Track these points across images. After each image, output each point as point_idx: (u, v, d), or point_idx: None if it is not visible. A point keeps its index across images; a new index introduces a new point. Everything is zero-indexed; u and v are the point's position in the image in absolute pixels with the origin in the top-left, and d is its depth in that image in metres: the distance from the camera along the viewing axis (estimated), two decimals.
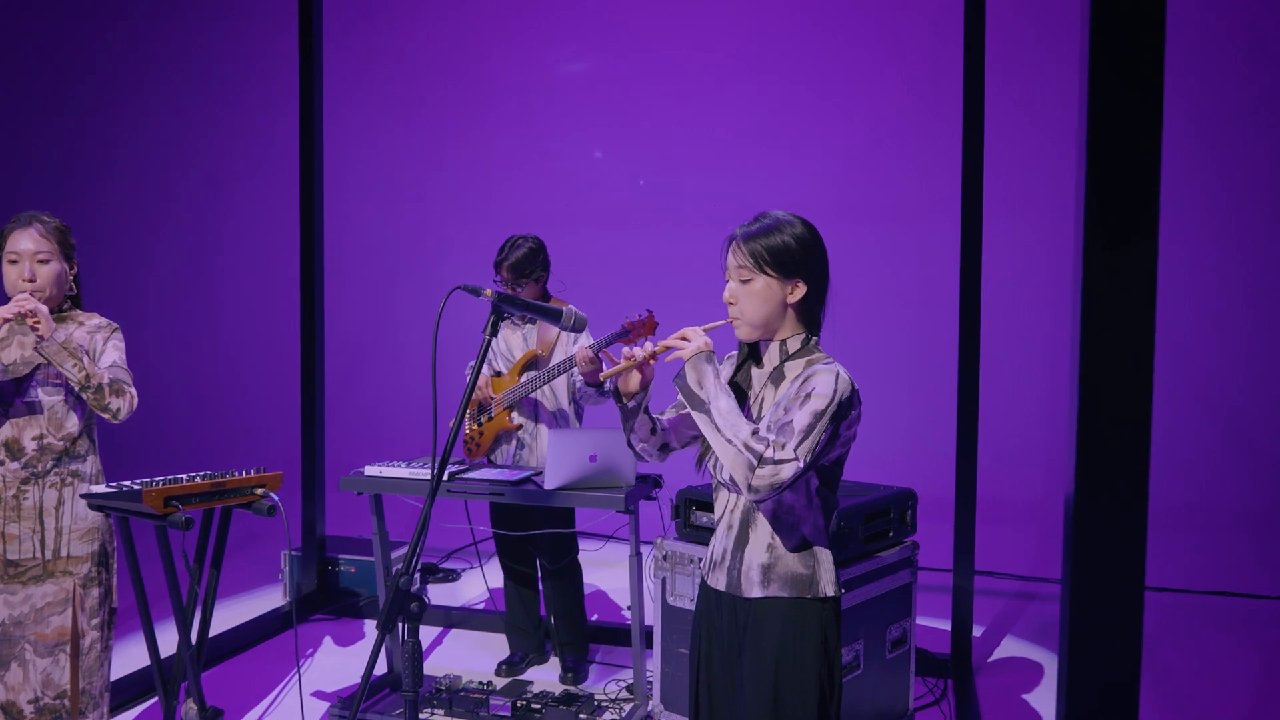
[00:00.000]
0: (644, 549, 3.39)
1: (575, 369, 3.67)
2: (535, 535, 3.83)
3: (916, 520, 3.47)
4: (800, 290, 1.97)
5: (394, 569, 4.66)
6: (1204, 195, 5.49)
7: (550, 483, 3.35)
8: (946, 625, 4.08)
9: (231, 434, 7.30)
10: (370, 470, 3.58)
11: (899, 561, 3.29)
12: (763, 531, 1.98)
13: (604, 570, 4.94)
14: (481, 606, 4.80)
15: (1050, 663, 4.12)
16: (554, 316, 2.07)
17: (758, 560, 1.98)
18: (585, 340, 3.88)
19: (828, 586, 1.98)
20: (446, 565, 5.42)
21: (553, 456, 3.32)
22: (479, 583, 5.16)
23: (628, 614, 4.35)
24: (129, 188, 7.70)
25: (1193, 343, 5.53)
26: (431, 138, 6.89)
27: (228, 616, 4.43)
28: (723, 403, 1.87)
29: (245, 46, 7.28)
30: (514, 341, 3.93)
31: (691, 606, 3.24)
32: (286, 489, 5.15)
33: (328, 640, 4.37)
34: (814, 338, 2.01)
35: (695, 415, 1.90)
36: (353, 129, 6.75)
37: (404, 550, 4.90)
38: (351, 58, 6.69)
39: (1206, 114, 5.49)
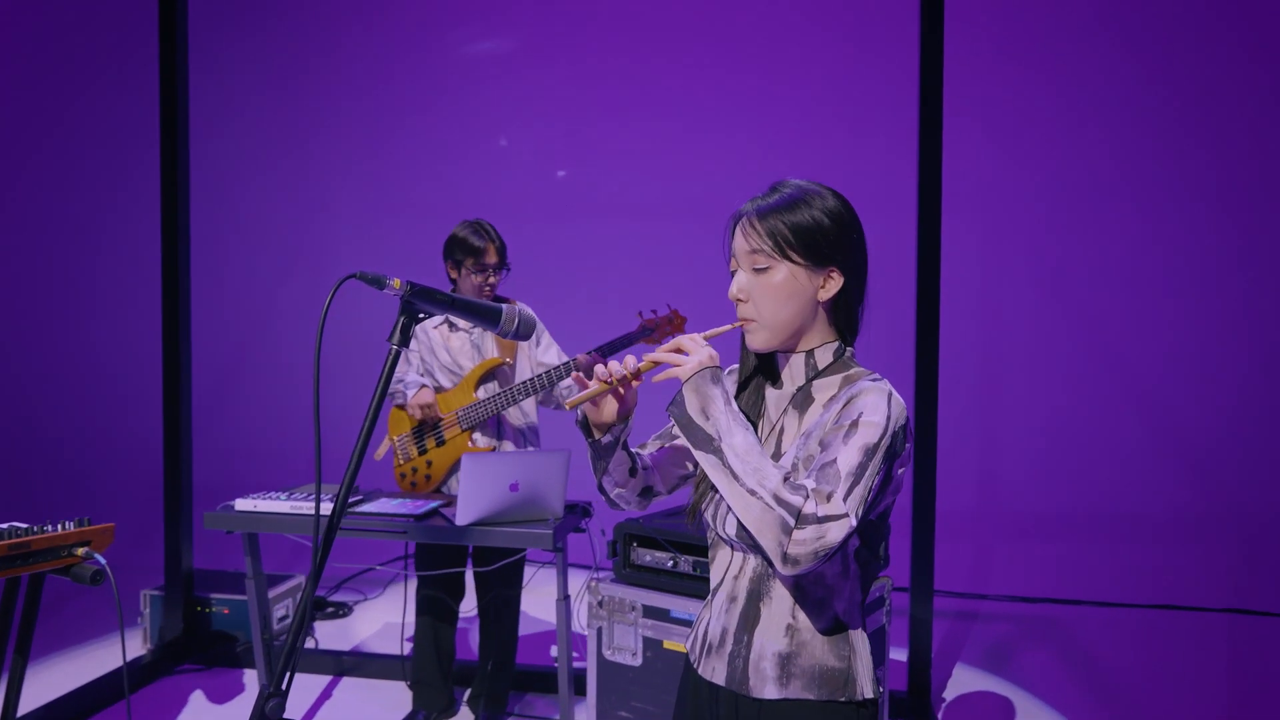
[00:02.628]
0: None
1: (563, 379, 3.16)
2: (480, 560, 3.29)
3: (889, 553, 3.05)
4: (835, 284, 1.46)
5: (275, 636, 4.03)
6: (1147, 202, 5.25)
7: (463, 517, 2.81)
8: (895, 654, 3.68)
9: (90, 455, 6.46)
10: (242, 504, 2.97)
11: (873, 602, 2.86)
12: (780, 608, 1.47)
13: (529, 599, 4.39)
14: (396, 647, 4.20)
15: (1017, 697, 3.77)
16: (490, 317, 1.51)
17: (773, 648, 1.46)
18: (550, 341, 3.37)
19: (865, 685, 1.47)
20: (336, 598, 4.80)
21: (466, 486, 2.78)
22: (376, 615, 4.56)
23: (553, 654, 3.83)
24: None
25: (1133, 352, 5.30)
26: (320, 124, 6.18)
27: (72, 670, 3.75)
28: (739, 439, 1.36)
29: (96, 13, 6.45)
30: (457, 348, 3.36)
31: (633, 662, 2.74)
32: (148, 518, 4.45)
33: (198, 696, 3.73)
34: (849, 348, 1.52)
35: (700, 457, 1.38)
36: (224, 111, 6.00)
37: (292, 585, 4.27)
38: (224, 28, 5.96)
39: (1147, 112, 5.26)
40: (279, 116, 6.17)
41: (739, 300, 1.48)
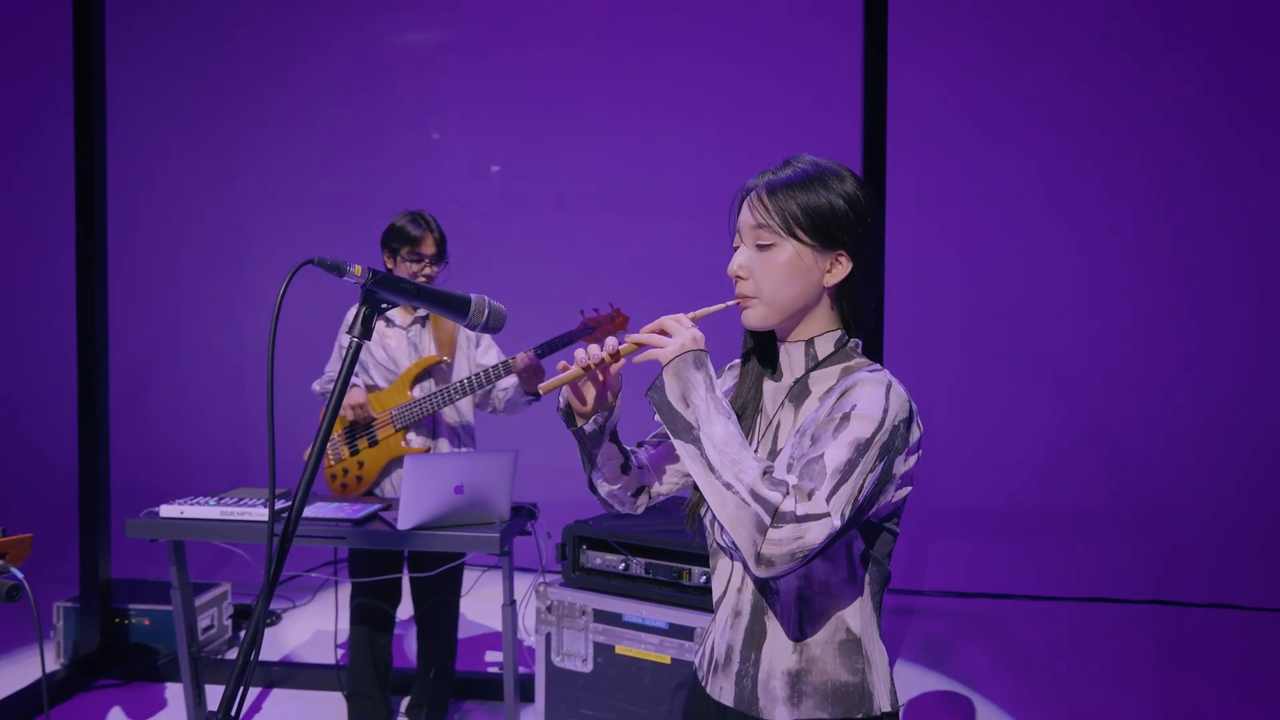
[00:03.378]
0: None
1: (501, 379, 3.06)
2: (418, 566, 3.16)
3: None
4: (843, 268, 1.37)
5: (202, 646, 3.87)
6: (1072, 204, 5.36)
7: (405, 521, 2.70)
8: None
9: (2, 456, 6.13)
10: (168, 511, 2.81)
11: None
12: (787, 622, 1.36)
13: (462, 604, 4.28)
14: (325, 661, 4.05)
15: (958, 690, 3.79)
16: (457, 308, 1.39)
17: (782, 665, 1.36)
18: (491, 342, 3.25)
19: (883, 699, 1.36)
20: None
21: (409, 489, 2.67)
22: (306, 623, 4.40)
23: (497, 668, 3.73)
24: None
25: (1058, 352, 5.40)
26: (242, 115, 5.93)
27: None
28: (718, 428, 1.27)
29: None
30: (395, 345, 3.23)
31: (584, 669, 2.67)
32: (57, 526, 4.22)
33: (117, 713, 3.54)
34: (852, 339, 1.43)
35: (679, 447, 1.29)
36: (140, 106, 5.73)
37: (216, 594, 4.08)
38: (141, 14, 5.69)
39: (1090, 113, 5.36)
40: (199, 109, 5.92)
41: (739, 277, 1.39)
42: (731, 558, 1.43)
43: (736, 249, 1.41)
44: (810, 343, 1.40)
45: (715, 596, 1.48)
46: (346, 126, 5.74)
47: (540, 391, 1.40)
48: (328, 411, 1.31)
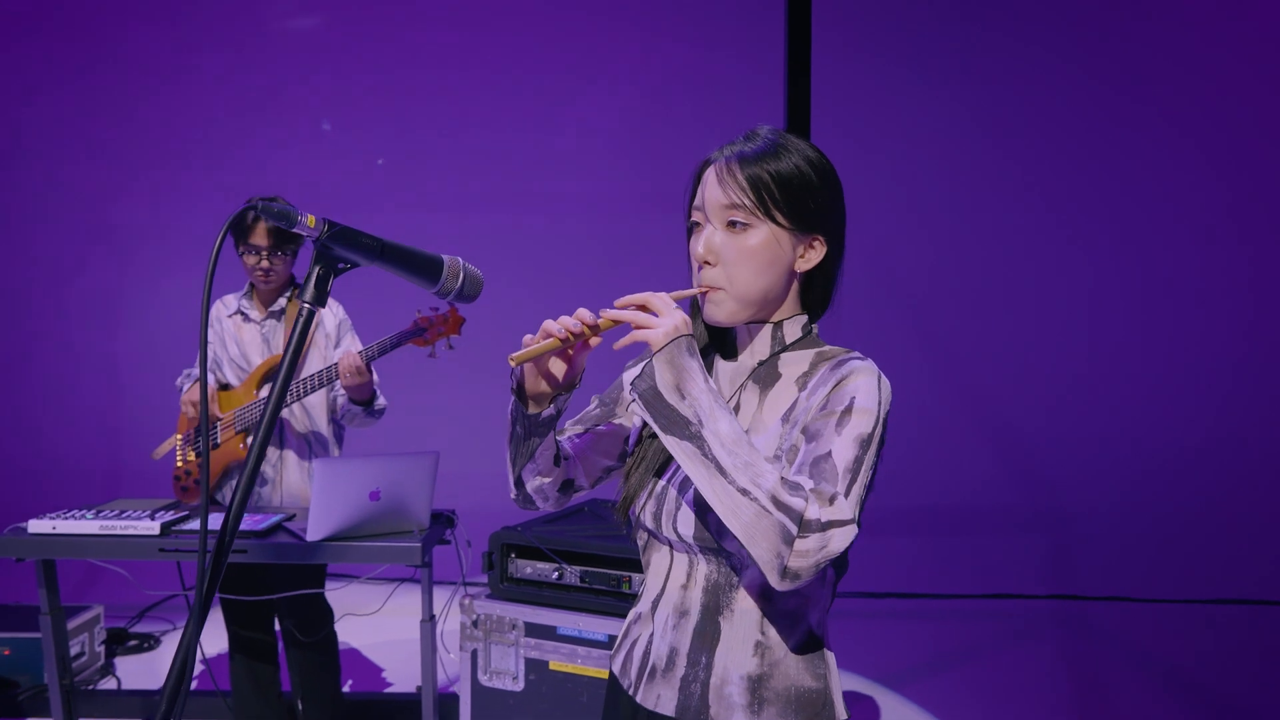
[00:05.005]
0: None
1: (337, 381, 2.78)
2: (283, 597, 2.86)
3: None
4: (816, 254, 1.28)
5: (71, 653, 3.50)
6: (972, 200, 5.42)
7: (315, 531, 2.46)
8: None
9: None
10: (37, 526, 2.49)
11: None
12: (746, 623, 1.25)
13: (375, 621, 4.00)
14: (194, 684, 3.70)
15: (874, 691, 3.73)
16: (427, 271, 1.16)
17: (740, 670, 1.24)
18: (351, 343, 2.98)
19: (840, 708, 1.28)
20: (138, 629, 4.23)
21: (319, 496, 2.43)
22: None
23: (414, 689, 3.47)
24: None
25: (960, 349, 5.45)
26: (116, 102, 5.46)
27: None
28: (724, 425, 1.14)
29: None
30: (247, 341, 2.95)
31: (514, 687, 2.47)
32: None
33: None
34: (814, 325, 1.34)
35: (672, 444, 1.15)
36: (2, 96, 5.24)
37: (88, 618, 3.70)
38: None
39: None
40: (70, 92, 5.44)
41: (706, 263, 1.25)
42: (679, 552, 1.29)
43: (695, 228, 1.27)
44: (779, 325, 1.31)
45: (650, 594, 1.34)
46: (227, 114, 5.37)
47: (512, 361, 1.21)
48: (273, 399, 1.09)
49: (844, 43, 4.96)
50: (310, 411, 2.93)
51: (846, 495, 1.13)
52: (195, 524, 2.57)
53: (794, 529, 1.08)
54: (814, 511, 1.09)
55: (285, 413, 2.88)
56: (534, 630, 2.46)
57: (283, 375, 1.04)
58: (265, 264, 2.82)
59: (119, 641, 4.00)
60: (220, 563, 1.03)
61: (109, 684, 3.67)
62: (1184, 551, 5.10)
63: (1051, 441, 5.38)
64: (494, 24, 5.37)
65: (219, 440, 2.87)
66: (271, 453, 2.90)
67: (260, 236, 2.80)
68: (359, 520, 2.49)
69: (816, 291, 1.32)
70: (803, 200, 1.24)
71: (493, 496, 2.99)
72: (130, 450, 5.35)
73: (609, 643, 2.37)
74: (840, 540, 1.09)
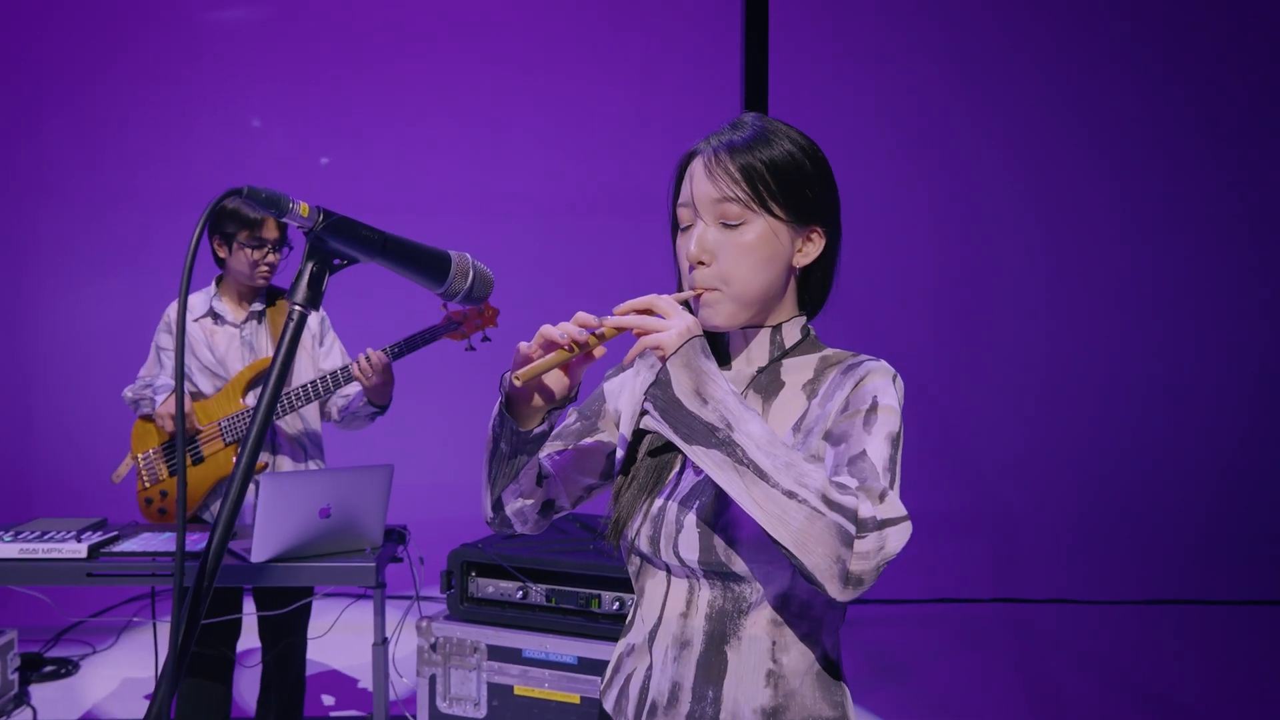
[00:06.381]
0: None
1: (343, 385, 2.64)
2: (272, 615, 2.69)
3: None
4: (815, 247, 1.20)
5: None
6: (892, 203, 5.42)
7: (261, 552, 2.29)
8: None
9: None
10: None
11: None
12: (756, 652, 1.15)
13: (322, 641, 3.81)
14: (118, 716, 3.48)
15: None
16: (434, 269, 1.04)
17: (753, 703, 1.14)
18: (333, 342, 2.82)
19: None
20: (54, 654, 3.97)
21: (264, 514, 2.26)
22: (111, 670, 3.80)
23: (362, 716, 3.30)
24: None
25: (899, 352, 5.45)
26: (40, 97, 5.14)
27: None
28: (755, 426, 1.05)
29: None
30: (225, 345, 2.76)
31: (476, 714, 2.34)
32: None
33: None
34: (811, 326, 1.26)
35: (697, 454, 1.05)
36: None
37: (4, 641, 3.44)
38: None
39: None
40: None
41: (699, 263, 1.16)
42: (676, 577, 1.19)
43: (686, 229, 1.18)
44: (777, 329, 1.23)
45: (646, 624, 1.22)
46: (153, 111, 5.10)
47: (518, 380, 1.10)
48: (260, 413, 0.95)
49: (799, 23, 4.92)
50: (302, 413, 2.76)
51: (893, 491, 1.06)
52: (127, 545, 2.38)
53: (852, 529, 1.00)
54: (867, 509, 1.01)
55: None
56: (497, 653, 2.33)
57: (272, 386, 0.91)
58: (272, 258, 2.66)
59: (34, 668, 3.75)
60: (203, 595, 0.89)
61: (24, 715, 3.43)
62: (1121, 554, 5.19)
63: (994, 447, 5.42)
64: (450, 24, 5.21)
65: (203, 454, 2.68)
66: (265, 459, 2.72)
67: (272, 229, 2.63)
68: (308, 539, 2.33)
69: (814, 288, 1.25)
70: (799, 189, 1.16)
71: (445, 510, 2.86)
72: (42, 468, 5.05)
73: (578, 665, 2.26)
74: (897, 539, 1.02)
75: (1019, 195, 5.36)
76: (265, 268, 2.68)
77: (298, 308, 0.92)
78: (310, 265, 0.92)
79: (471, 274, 1.05)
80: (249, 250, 2.66)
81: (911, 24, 5.30)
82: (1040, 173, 5.35)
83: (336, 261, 0.94)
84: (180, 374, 0.87)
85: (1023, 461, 5.36)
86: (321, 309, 2.82)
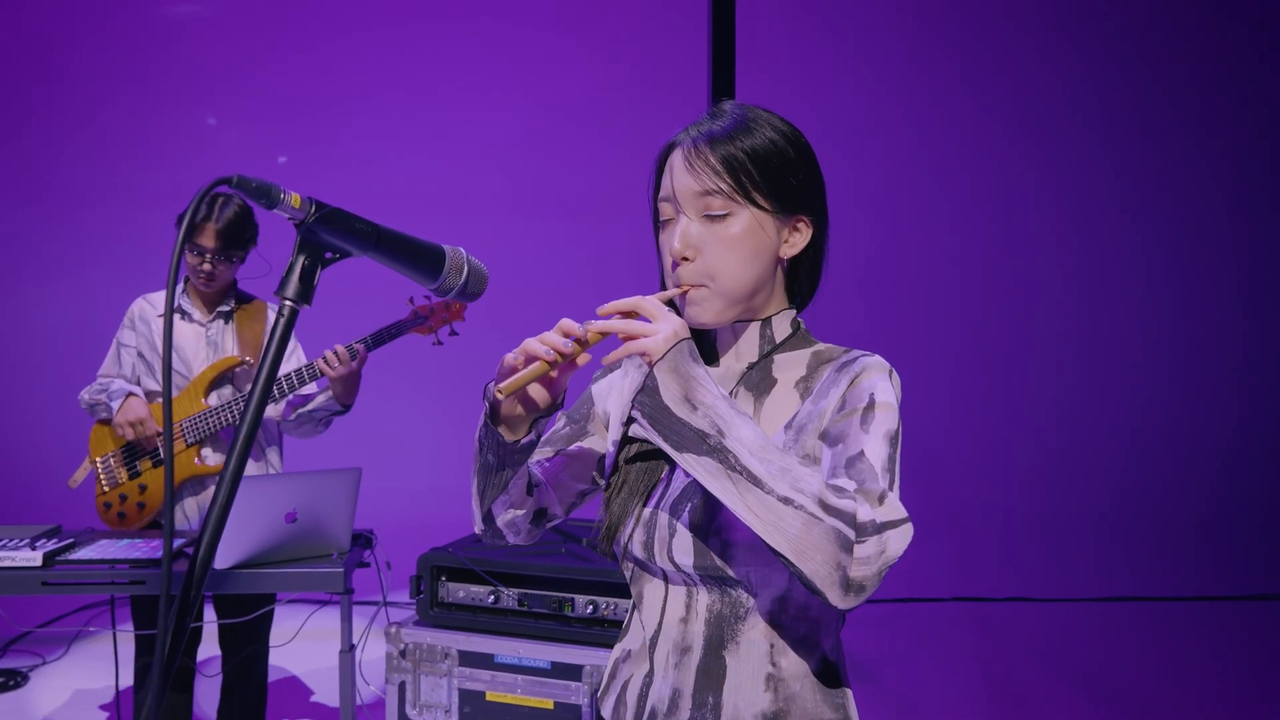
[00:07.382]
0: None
1: (306, 382, 2.58)
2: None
3: None
4: (802, 237, 1.18)
5: None
6: (867, 195, 5.46)
7: (224, 559, 2.24)
8: None
9: None
10: None
11: None
12: (755, 656, 1.13)
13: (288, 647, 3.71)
14: None
15: None
16: (427, 263, 1.00)
17: (754, 708, 1.12)
18: (294, 344, 2.76)
19: None
20: (4, 665, 3.85)
21: (228, 519, 2.20)
22: (61, 682, 3.70)
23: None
24: None
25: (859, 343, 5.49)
26: None
27: None
28: (747, 431, 1.03)
29: None
30: (189, 345, 2.69)
31: None
32: None
33: None
34: (800, 319, 1.24)
35: (687, 461, 1.03)
36: None
37: None
38: None
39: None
40: None
41: (684, 259, 1.13)
42: (674, 584, 1.16)
43: (667, 224, 1.16)
44: (767, 323, 1.20)
45: (645, 632, 1.20)
46: (110, 110, 4.98)
47: (501, 394, 1.07)
48: (251, 412, 0.91)
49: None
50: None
51: (892, 493, 1.04)
52: (84, 553, 2.30)
53: (851, 534, 0.98)
54: (866, 513, 0.99)
55: (228, 417, 2.63)
56: (469, 659, 2.29)
57: (263, 382, 0.87)
58: (207, 267, 2.58)
59: None
60: (197, 597, 0.85)
61: None
62: (1078, 551, 5.26)
63: (950, 448, 5.46)
64: (393, 20, 5.15)
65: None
66: (209, 457, 2.65)
67: (208, 237, 2.55)
68: (273, 545, 2.28)
69: (802, 279, 1.22)
70: (783, 178, 1.14)
71: (411, 513, 2.81)
72: (25, 469, 4.91)
73: (551, 670, 2.23)
74: (898, 542, 1.00)
75: (998, 183, 5.40)
76: (201, 275, 2.61)
77: (289, 303, 0.89)
78: (301, 259, 0.89)
79: (466, 270, 1.02)
80: (188, 255, 2.60)
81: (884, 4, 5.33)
82: (1030, 161, 5.40)
83: (328, 255, 0.92)
84: (168, 378, 0.84)
85: (981, 459, 5.42)
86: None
